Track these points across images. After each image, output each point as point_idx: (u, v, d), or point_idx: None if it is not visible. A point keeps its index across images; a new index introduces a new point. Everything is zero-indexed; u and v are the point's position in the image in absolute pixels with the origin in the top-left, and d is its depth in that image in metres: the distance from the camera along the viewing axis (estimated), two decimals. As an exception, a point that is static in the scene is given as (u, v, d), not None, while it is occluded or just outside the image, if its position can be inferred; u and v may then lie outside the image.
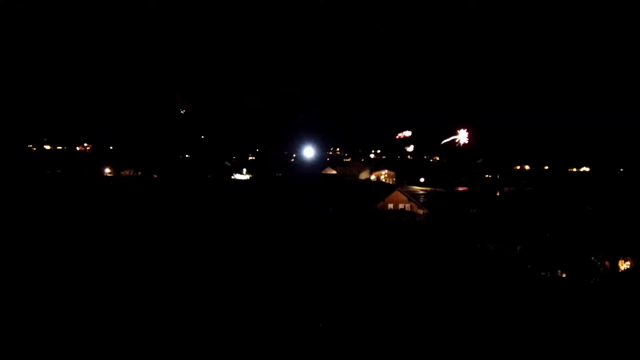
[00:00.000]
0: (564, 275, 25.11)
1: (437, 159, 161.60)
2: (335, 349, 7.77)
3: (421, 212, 50.19)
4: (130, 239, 15.69)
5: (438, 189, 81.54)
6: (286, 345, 7.77)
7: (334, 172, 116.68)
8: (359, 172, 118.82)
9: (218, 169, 77.43)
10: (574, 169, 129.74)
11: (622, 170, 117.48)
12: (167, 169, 62.86)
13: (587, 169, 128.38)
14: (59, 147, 76.12)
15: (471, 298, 11.11)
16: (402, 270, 13.14)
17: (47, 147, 73.98)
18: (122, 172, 67.47)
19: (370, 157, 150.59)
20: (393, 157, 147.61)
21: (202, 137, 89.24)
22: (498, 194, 69.39)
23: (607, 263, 24.98)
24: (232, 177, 79.81)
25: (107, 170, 65.75)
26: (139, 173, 65.23)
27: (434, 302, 10.43)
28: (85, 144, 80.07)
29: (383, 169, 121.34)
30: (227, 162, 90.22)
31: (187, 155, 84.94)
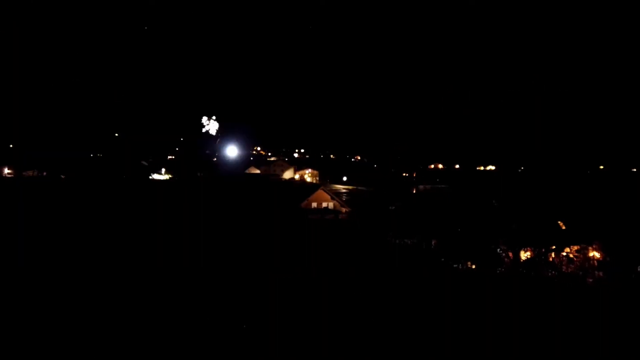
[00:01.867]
0: (473, 267, 26.97)
1: (359, 158, 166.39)
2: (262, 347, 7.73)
3: (344, 210, 51.34)
4: (30, 243, 14.38)
5: (360, 187, 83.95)
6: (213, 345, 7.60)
7: (258, 171, 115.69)
8: (283, 171, 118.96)
9: (134, 169, 73.37)
10: (482, 168, 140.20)
11: (522, 168, 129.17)
12: (76, 169, 58.43)
13: (493, 168, 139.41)
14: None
15: (390, 288, 11.59)
16: (325, 264, 13.39)
17: None
18: (24, 173, 61.66)
19: (294, 157, 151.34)
20: (316, 156, 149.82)
21: (116, 134, 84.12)
22: (414, 192, 72.91)
23: (510, 254, 27.19)
24: (150, 177, 76.15)
25: (7, 170, 59.79)
26: (44, 173, 59.99)
27: (356, 294, 10.73)
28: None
29: (307, 168, 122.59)
30: (143, 162, 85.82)
31: (99, 154, 79.62)
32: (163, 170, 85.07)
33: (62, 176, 57.10)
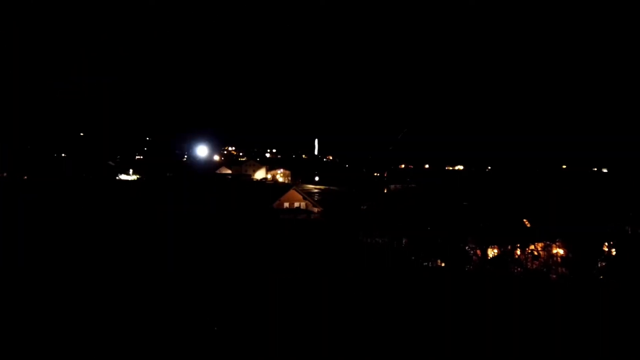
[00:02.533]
0: (443, 264, 27.47)
1: (331, 158, 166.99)
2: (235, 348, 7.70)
3: (316, 209, 51.49)
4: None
5: (332, 187, 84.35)
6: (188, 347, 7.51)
7: (229, 171, 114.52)
8: (255, 171, 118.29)
9: (100, 169, 71.43)
10: (450, 167, 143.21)
11: (489, 168, 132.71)
12: (40, 169, 56.47)
13: (461, 167, 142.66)
14: None
15: (361, 287, 11.72)
16: (295, 264, 13.41)
17: None
18: (-19, 173, 59.06)
19: (265, 157, 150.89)
20: (288, 156, 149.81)
21: (82, 133, 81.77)
22: (385, 191, 73.73)
23: (478, 252, 27.81)
24: (117, 177, 74.42)
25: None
26: (4, 174, 57.68)
27: (328, 294, 10.79)
28: None
29: (279, 168, 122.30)
30: (110, 162, 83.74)
31: (63, 154, 77.23)
32: (131, 170, 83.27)
33: (24, 177, 55.06)
